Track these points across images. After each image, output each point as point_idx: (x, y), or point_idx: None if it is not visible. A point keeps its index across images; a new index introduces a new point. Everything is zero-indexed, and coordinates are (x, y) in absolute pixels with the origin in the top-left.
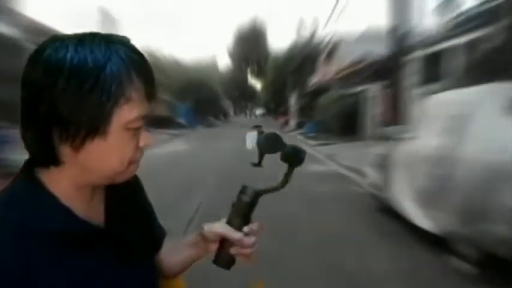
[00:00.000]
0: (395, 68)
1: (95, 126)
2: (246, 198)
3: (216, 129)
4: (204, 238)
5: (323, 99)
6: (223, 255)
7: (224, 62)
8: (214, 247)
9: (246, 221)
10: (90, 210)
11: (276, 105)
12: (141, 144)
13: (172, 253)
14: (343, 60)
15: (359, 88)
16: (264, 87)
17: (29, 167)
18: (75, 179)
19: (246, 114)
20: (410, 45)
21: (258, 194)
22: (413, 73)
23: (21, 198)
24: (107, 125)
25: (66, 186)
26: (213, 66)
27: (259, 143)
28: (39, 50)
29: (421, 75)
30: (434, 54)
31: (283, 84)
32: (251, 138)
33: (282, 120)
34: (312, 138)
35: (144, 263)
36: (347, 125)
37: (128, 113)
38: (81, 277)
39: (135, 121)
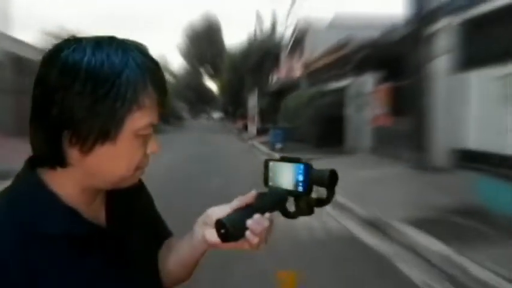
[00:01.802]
0: (410, 47)
1: (106, 130)
2: (278, 197)
3: (161, 137)
4: (206, 221)
5: (291, 100)
6: (237, 220)
7: (178, 63)
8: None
9: (271, 210)
10: (93, 212)
11: (234, 108)
12: (149, 151)
13: (179, 244)
14: (313, 51)
15: (341, 83)
16: (220, 88)
17: (31, 166)
18: (80, 182)
19: (206, 117)
20: (437, 8)
21: (286, 197)
22: (442, 53)
23: (25, 199)
24: (118, 131)
25: (70, 188)
26: (163, 68)
27: (313, 177)
28: (56, 50)
29: (459, 55)
30: (485, 18)
31: (241, 85)
32: (293, 172)
33: (239, 124)
34: (281, 150)
35: (146, 265)
36: (327, 133)
37: (139, 120)
38: (83, 278)
39: (146, 128)
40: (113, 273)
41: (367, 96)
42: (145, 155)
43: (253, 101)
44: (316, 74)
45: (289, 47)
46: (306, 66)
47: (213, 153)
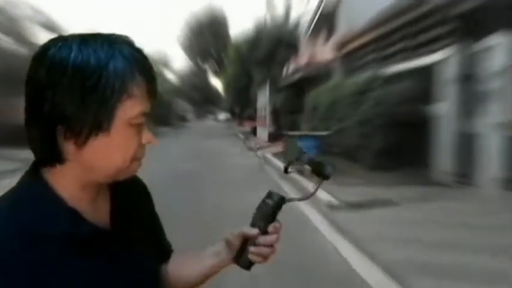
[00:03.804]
0: None
1: (98, 122)
2: (271, 202)
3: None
4: (228, 244)
5: (322, 94)
6: (244, 255)
7: (181, 60)
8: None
9: (269, 223)
10: (96, 211)
11: (241, 107)
12: (144, 141)
13: (192, 265)
14: (351, 26)
15: (421, 60)
16: (226, 86)
17: (35, 168)
18: (79, 178)
19: (213, 118)
20: None
21: (283, 200)
22: None
23: (28, 200)
24: (110, 121)
25: (71, 186)
26: (162, 64)
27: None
28: (43, 50)
29: None
30: None
31: (249, 79)
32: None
33: (246, 127)
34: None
35: (147, 267)
36: (395, 145)
37: (130, 109)
38: (84, 279)
39: (138, 117)
40: (114, 275)
41: (490, 78)
42: (141, 146)
43: (263, 98)
44: (360, 53)
45: (312, 27)
46: (342, 45)
47: (203, 177)
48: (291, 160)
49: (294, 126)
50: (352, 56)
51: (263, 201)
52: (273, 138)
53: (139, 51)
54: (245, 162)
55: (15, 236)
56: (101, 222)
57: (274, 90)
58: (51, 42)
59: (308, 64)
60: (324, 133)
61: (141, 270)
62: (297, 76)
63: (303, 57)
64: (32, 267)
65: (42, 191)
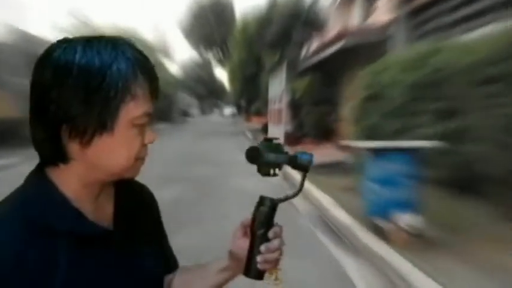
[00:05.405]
0: None
1: (102, 122)
2: (265, 208)
3: None
4: (234, 257)
5: (400, 69)
6: (253, 266)
7: (184, 51)
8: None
9: (268, 229)
10: (98, 211)
11: (248, 100)
12: (146, 141)
13: (199, 281)
14: None
15: None
16: (231, 75)
17: (40, 168)
18: (83, 177)
19: (219, 113)
20: None
21: (276, 203)
22: None
23: (34, 198)
24: (114, 121)
25: (74, 185)
26: (162, 53)
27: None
28: (48, 52)
29: None
30: None
31: (257, 66)
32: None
33: (254, 123)
34: (419, 240)
35: (149, 265)
36: None
37: (134, 109)
38: (87, 276)
39: (141, 118)
40: (114, 273)
41: None
42: (144, 146)
43: (277, 87)
44: (447, 4)
45: None
46: None
47: (182, 233)
48: (266, 163)
49: (322, 124)
50: (428, 12)
51: (256, 209)
52: (292, 139)
53: (141, 54)
54: (258, 184)
55: (23, 229)
56: (103, 221)
57: (292, 75)
58: (56, 45)
59: (341, 36)
60: (428, 144)
61: (142, 271)
62: (332, 50)
63: (332, 30)
64: (42, 259)
65: (48, 190)
